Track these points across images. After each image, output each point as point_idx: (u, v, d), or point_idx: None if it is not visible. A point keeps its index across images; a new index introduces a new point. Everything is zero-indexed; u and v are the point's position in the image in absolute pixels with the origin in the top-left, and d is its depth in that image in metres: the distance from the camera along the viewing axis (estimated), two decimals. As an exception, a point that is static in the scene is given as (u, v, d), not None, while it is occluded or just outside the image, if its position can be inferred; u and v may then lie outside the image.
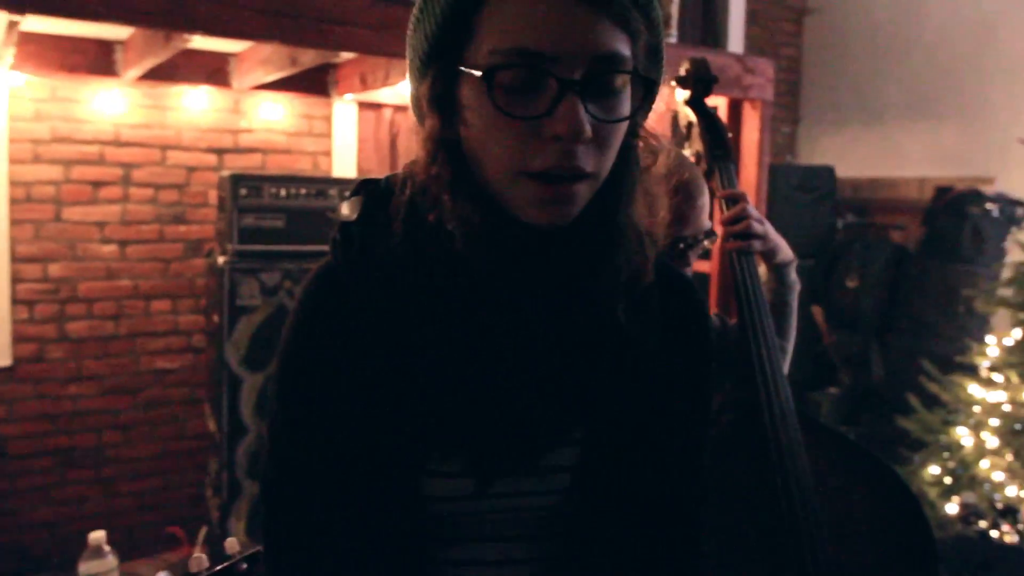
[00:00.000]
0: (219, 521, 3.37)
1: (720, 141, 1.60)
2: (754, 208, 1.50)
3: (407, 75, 0.87)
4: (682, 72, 1.64)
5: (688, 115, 1.64)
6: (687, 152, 1.62)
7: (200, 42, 3.20)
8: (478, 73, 0.74)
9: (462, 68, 0.77)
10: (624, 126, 0.79)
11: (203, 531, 3.55)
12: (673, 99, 1.67)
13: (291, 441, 0.86)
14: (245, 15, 2.32)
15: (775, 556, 1.35)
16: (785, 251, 1.54)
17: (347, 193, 0.89)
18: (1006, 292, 3.53)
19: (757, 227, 1.48)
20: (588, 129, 0.74)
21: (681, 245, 1.43)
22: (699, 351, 0.95)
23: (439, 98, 0.79)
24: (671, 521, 0.92)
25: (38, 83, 3.53)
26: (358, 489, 0.83)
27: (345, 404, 0.83)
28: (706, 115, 1.62)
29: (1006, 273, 3.61)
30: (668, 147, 1.45)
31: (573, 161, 0.75)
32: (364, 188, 0.88)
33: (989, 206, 4.05)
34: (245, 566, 0.74)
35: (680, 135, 1.67)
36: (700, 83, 1.63)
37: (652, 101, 0.85)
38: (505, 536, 0.88)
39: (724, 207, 1.53)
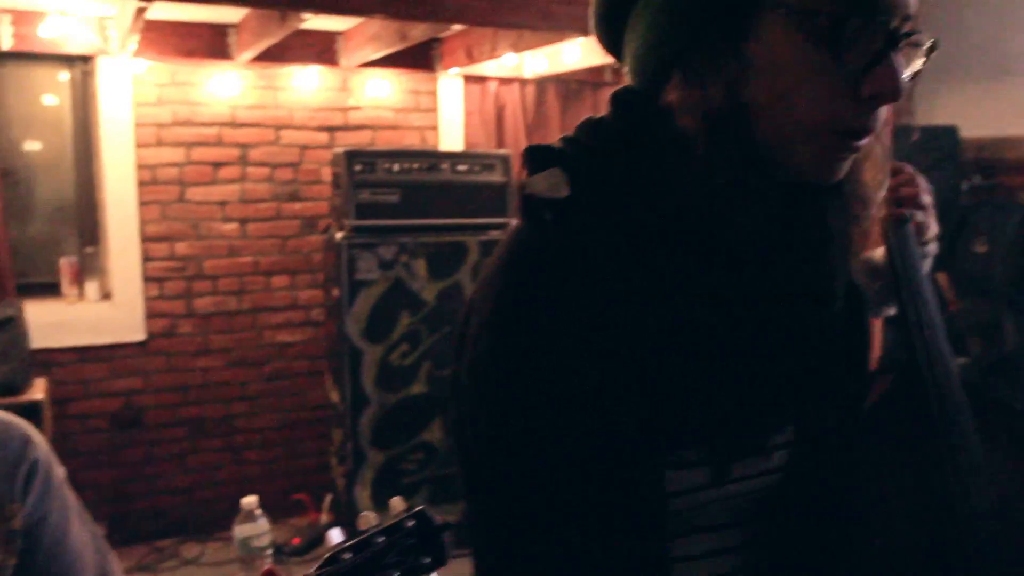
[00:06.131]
0: (344, 489, 3.47)
1: None
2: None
3: (648, 33, 0.75)
4: None
5: None
6: None
7: (310, 21, 3.27)
8: (809, 13, 0.67)
9: (781, 10, 0.67)
10: None
11: (328, 498, 3.66)
12: None
13: (540, 453, 0.73)
14: (360, -9, 2.34)
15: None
16: (935, 224, 1.46)
17: (529, 165, 0.78)
18: None
19: (926, 197, 1.39)
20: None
21: None
22: (864, 323, 0.93)
23: (736, 51, 0.70)
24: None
25: (158, 68, 3.68)
26: (599, 495, 0.74)
27: (590, 404, 0.72)
28: None
29: None
30: None
31: (877, 122, 0.71)
32: (556, 158, 0.78)
33: None
34: (412, 523, 0.75)
35: None
36: None
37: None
38: (717, 525, 0.81)
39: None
